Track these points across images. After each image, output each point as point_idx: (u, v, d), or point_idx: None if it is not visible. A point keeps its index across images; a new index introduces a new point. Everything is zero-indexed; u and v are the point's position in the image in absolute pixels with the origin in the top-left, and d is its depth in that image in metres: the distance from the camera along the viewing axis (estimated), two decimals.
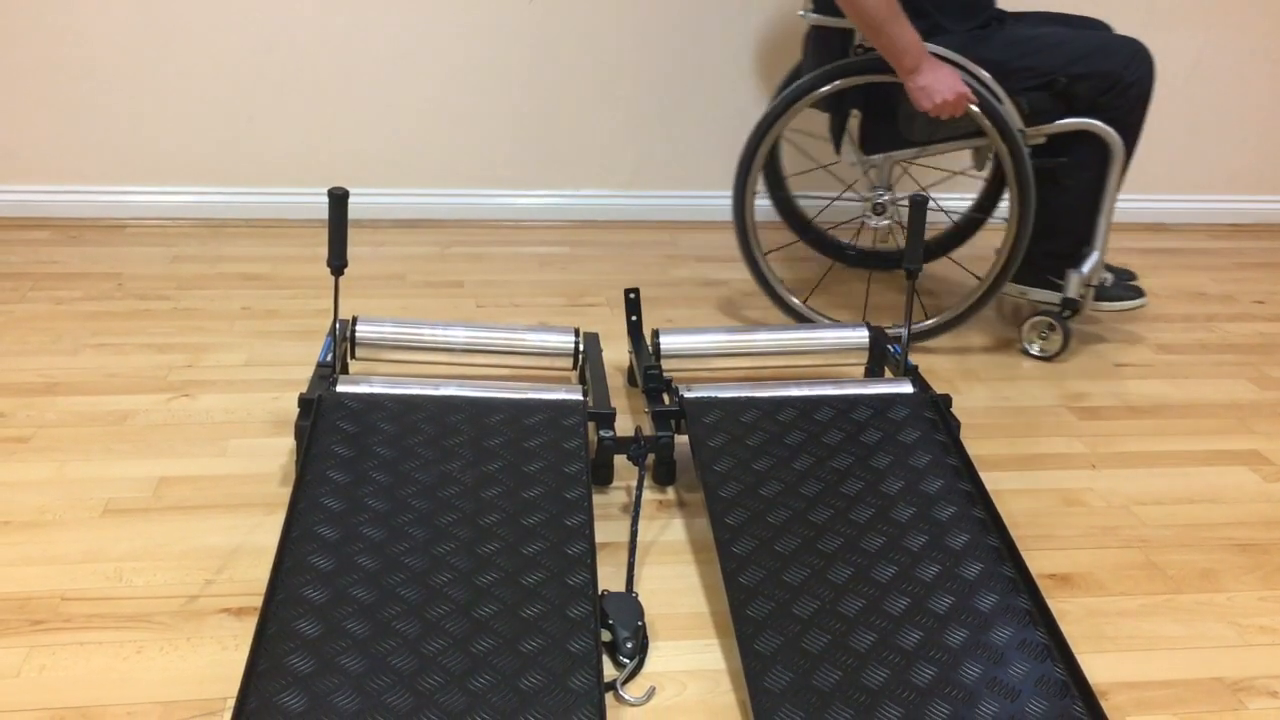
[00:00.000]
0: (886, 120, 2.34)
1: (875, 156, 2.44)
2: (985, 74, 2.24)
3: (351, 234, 1.88)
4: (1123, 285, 2.53)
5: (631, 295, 2.23)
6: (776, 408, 1.87)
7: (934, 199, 2.25)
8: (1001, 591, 1.49)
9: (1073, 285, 2.36)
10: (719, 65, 3.22)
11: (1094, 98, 2.24)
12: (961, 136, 2.30)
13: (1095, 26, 2.46)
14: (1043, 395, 2.29)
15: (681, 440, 1.87)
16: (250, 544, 1.67)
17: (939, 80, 2.18)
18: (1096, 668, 1.47)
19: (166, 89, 3.02)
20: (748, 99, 3.26)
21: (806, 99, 2.36)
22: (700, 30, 3.17)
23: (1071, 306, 2.39)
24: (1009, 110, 2.23)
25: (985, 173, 2.70)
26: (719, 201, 3.36)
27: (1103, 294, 2.46)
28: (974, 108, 2.20)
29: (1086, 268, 2.35)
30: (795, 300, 2.51)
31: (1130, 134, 2.30)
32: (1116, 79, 2.23)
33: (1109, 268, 2.48)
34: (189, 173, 3.11)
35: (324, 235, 1.88)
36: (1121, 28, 2.45)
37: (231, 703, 1.27)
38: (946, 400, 1.90)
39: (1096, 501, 1.90)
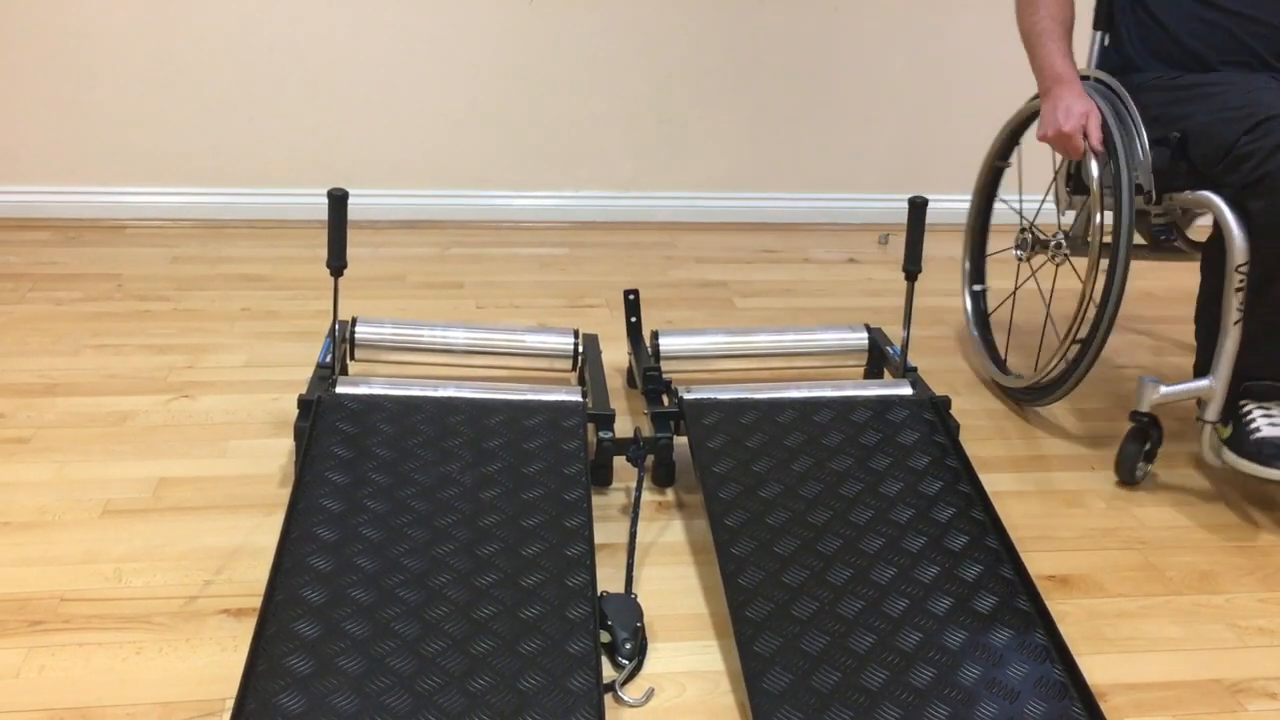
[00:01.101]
0: None
1: (1078, 198, 2.13)
2: (1139, 118, 1.95)
3: (351, 235, 1.89)
4: None
5: (631, 297, 2.23)
6: (776, 409, 1.87)
7: None
8: (1001, 593, 1.49)
9: (1143, 398, 1.90)
10: (720, 67, 3.22)
11: (1207, 166, 1.84)
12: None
13: None
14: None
15: (681, 442, 1.87)
16: (249, 545, 1.67)
17: (1052, 111, 1.93)
18: (1095, 669, 1.47)
19: (166, 90, 3.03)
20: (747, 101, 3.27)
21: (1022, 111, 2.24)
22: (701, 31, 3.18)
23: (1135, 421, 1.93)
24: (1145, 164, 1.92)
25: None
26: (718, 203, 3.37)
27: (1242, 444, 1.82)
28: (1091, 155, 1.92)
29: (1171, 388, 1.88)
30: (989, 360, 2.34)
31: (1260, 228, 1.76)
32: (1229, 148, 1.77)
33: None
34: (189, 173, 3.11)
35: (324, 236, 1.88)
36: None
37: (230, 704, 1.27)
38: (946, 402, 1.90)
39: (1096, 503, 1.90)
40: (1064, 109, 1.91)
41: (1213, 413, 1.86)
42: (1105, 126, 1.94)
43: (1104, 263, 1.96)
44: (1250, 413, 1.84)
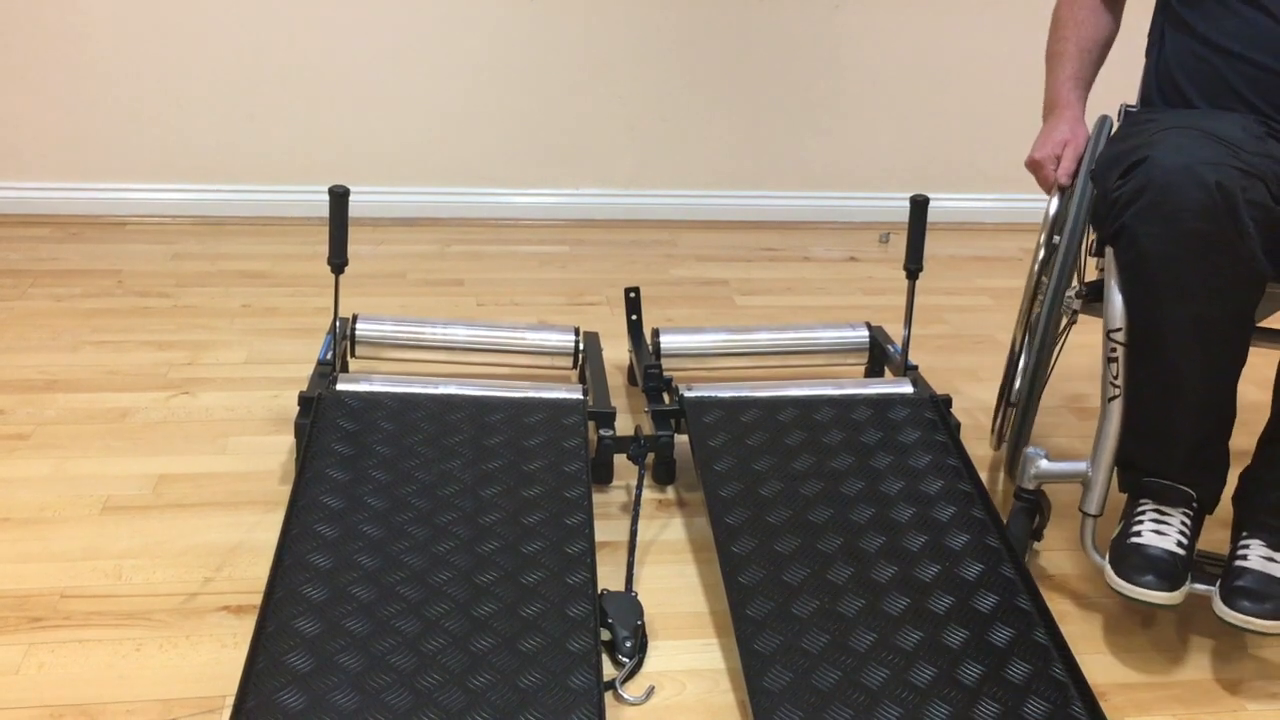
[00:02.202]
0: None
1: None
2: None
3: (352, 232, 1.88)
4: (1164, 558, 1.50)
5: (631, 294, 2.23)
6: (776, 407, 1.87)
7: None
8: (1001, 592, 1.49)
9: (1025, 472, 1.68)
10: (720, 66, 3.22)
11: (1096, 210, 1.58)
12: None
13: None
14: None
15: (681, 439, 1.87)
16: (250, 542, 1.67)
17: (1039, 137, 1.76)
18: (1096, 668, 1.47)
19: (167, 86, 3.02)
20: (748, 99, 3.26)
21: None
22: (701, 30, 3.17)
23: (1020, 499, 1.69)
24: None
25: None
26: (719, 201, 3.37)
27: (1116, 546, 1.55)
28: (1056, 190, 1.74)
29: (1051, 465, 1.67)
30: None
31: (1125, 289, 1.51)
32: (1105, 191, 1.51)
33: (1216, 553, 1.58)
34: (189, 170, 3.11)
35: (324, 233, 1.87)
36: None
37: (230, 701, 1.27)
38: (946, 401, 1.90)
39: None
40: (1046, 136, 1.76)
41: (1092, 504, 1.60)
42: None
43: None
44: (1144, 514, 1.57)
